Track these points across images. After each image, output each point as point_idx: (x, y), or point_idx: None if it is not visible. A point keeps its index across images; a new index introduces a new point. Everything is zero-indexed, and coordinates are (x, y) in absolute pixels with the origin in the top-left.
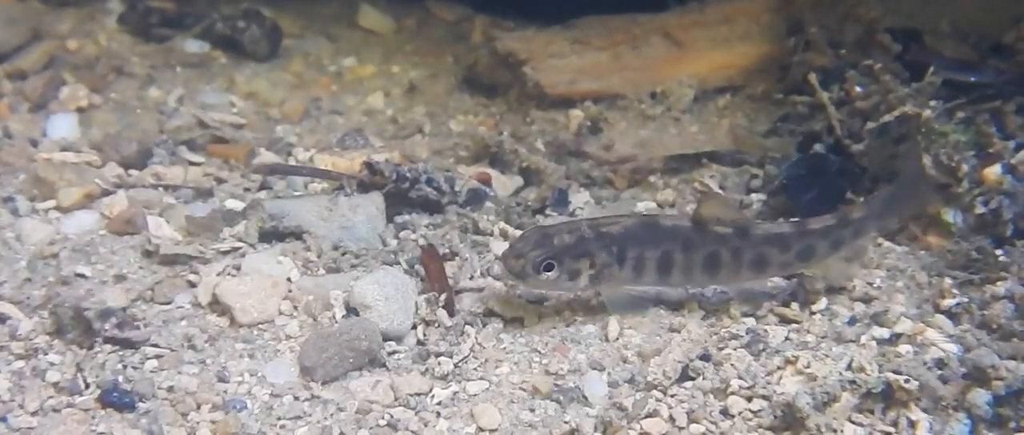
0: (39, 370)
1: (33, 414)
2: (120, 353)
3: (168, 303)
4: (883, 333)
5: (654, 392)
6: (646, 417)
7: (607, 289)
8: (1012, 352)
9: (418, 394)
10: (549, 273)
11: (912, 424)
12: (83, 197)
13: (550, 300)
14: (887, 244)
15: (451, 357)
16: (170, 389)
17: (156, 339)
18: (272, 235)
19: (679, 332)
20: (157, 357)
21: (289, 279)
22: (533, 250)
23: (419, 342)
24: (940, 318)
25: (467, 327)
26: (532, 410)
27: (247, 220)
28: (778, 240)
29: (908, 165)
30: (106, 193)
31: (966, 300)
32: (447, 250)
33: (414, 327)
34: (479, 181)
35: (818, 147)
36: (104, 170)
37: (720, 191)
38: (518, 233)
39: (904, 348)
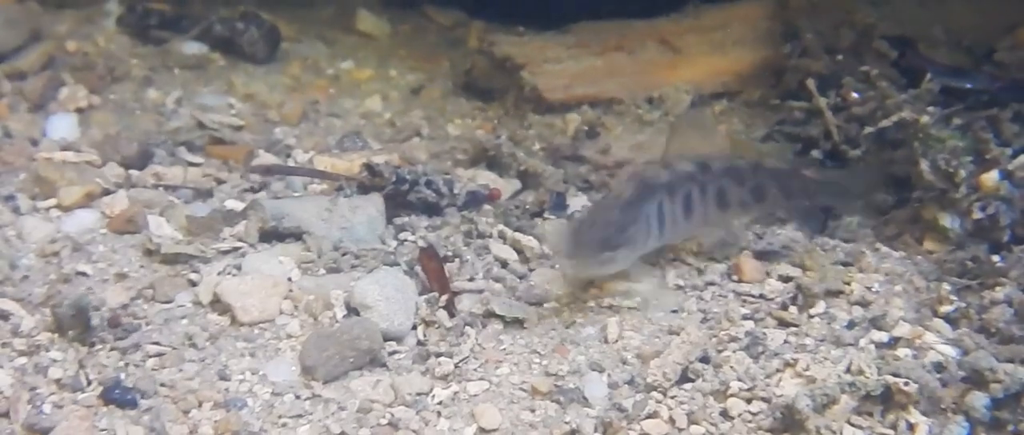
0: (41, 367)
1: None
2: (121, 350)
3: (169, 302)
4: (882, 337)
5: (654, 393)
6: (646, 418)
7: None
8: (1010, 356)
9: (419, 394)
10: (612, 253)
11: (911, 427)
12: (84, 196)
13: (550, 300)
14: (884, 249)
15: (451, 357)
16: (172, 387)
17: (157, 337)
18: (272, 235)
19: (678, 334)
20: (158, 355)
21: (290, 279)
22: (597, 232)
23: (419, 342)
24: (938, 322)
25: (467, 328)
26: (532, 410)
27: (247, 220)
28: (735, 174)
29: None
30: (107, 192)
31: (964, 305)
32: (450, 252)
33: (414, 327)
34: (491, 197)
35: (814, 153)
36: (104, 170)
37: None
38: (517, 235)
39: (903, 351)
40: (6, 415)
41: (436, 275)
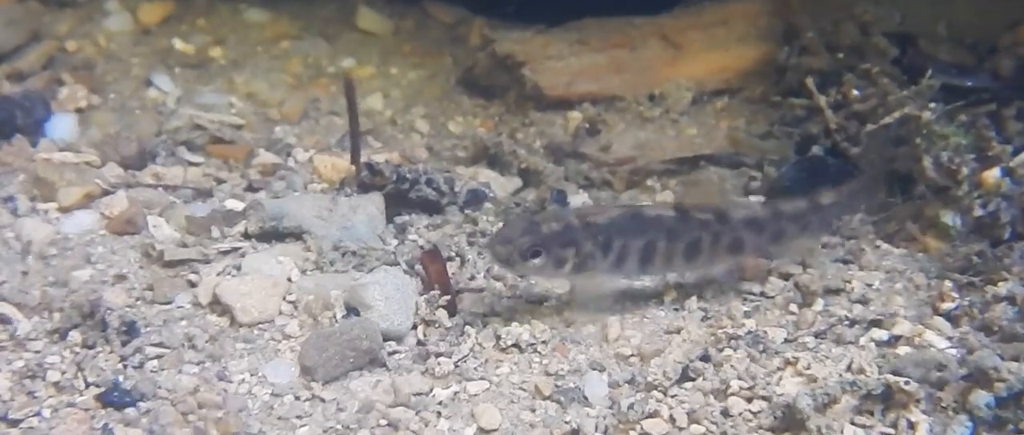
0: (39, 370)
1: (33, 414)
2: (121, 352)
3: (168, 303)
4: (882, 335)
5: (654, 393)
6: (647, 417)
7: (584, 279)
8: (1014, 354)
9: (419, 394)
10: (535, 260)
11: (912, 425)
12: (83, 197)
13: (551, 300)
14: (885, 246)
15: (451, 357)
16: (171, 389)
17: (156, 339)
18: (272, 235)
19: (679, 333)
20: (157, 357)
21: (289, 279)
22: (521, 237)
23: (419, 342)
24: (939, 320)
25: (467, 327)
26: (533, 410)
27: (247, 220)
28: (753, 223)
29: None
30: (106, 193)
31: (965, 302)
32: (454, 253)
33: (414, 327)
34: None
35: (816, 149)
36: (104, 170)
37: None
38: None
39: (903, 350)
40: (4, 419)
41: (438, 276)
